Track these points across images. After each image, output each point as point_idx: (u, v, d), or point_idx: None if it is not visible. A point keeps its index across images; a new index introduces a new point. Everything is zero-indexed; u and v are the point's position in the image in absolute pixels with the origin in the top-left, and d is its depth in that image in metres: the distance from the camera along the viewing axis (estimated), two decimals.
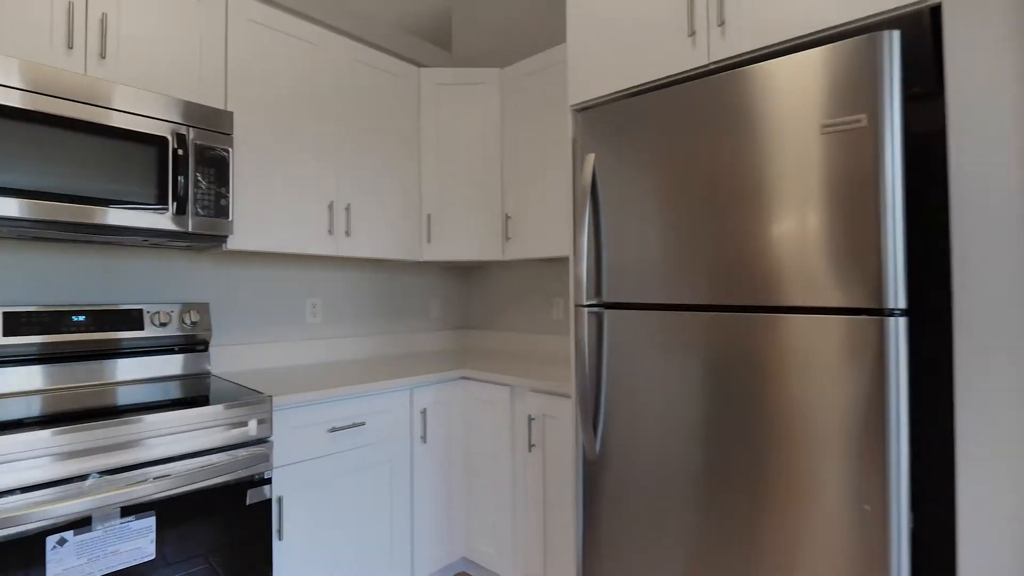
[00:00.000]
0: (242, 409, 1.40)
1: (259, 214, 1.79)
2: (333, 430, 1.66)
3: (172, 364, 1.74)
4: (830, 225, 1.03)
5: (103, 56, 1.45)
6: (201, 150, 1.56)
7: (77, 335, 1.54)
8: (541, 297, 2.56)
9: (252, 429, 1.42)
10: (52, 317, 1.50)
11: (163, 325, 1.70)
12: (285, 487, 1.54)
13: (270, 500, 1.46)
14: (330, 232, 1.99)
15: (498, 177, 2.33)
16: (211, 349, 1.92)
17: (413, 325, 2.67)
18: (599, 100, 1.53)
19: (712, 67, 1.31)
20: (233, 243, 1.72)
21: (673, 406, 1.28)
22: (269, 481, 1.45)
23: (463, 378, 2.09)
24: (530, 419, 1.82)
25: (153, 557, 1.23)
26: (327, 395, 1.63)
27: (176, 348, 1.75)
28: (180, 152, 1.51)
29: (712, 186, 1.21)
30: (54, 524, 1.10)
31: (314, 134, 1.95)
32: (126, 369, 1.64)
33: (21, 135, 1.25)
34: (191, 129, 1.54)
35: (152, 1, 1.55)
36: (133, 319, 1.65)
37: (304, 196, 1.92)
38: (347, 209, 2.04)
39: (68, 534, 1.11)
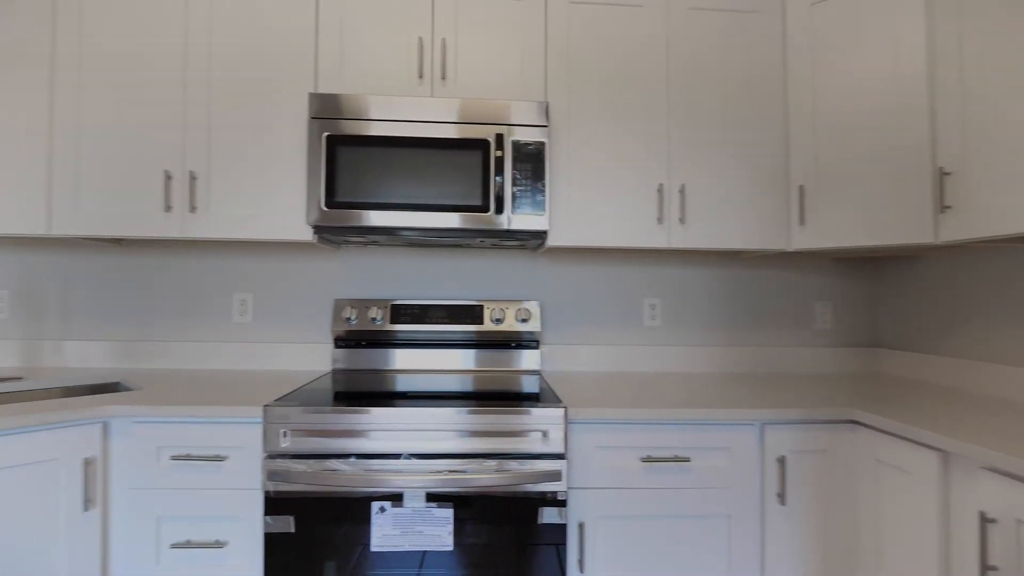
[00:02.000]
0: (531, 417, 1.32)
1: (578, 206, 1.70)
2: (648, 460, 1.38)
3: (503, 359, 1.87)
4: None
5: (444, 78, 1.66)
6: (518, 147, 1.59)
7: (435, 326, 1.83)
8: (1017, 302, 1.51)
9: (543, 441, 1.32)
10: (420, 310, 1.83)
11: (498, 321, 1.84)
12: (587, 513, 1.37)
13: (565, 525, 1.31)
14: (660, 221, 1.72)
15: (924, 111, 1.50)
16: (542, 347, 1.97)
17: (788, 337, 2.07)
18: None
19: None
20: (553, 239, 1.69)
21: None
22: (563, 503, 1.31)
23: (854, 423, 1.42)
24: (984, 519, 1.03)
25: (450, 548, 1.28)
26: (637, 416, 1.37)
27: (512, 344, 1.86)
28: (499, 153, 1.58)
29: None
30: (379, 492, 1.27)
31: (640, 109, 1.73)
32: (465, 359, 1.86)
33: (399, 159, 1.55)
34: (509, 128, 1.59)
35: (478, 15, 1.69)
36: (475, 314, 1.84)
37: (629, 181, 1.72)
38: (681, 191, 1.72)
39: (387, 504, 1.26)
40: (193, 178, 1.61)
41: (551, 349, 1.98)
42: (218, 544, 1.30)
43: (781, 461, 1.40)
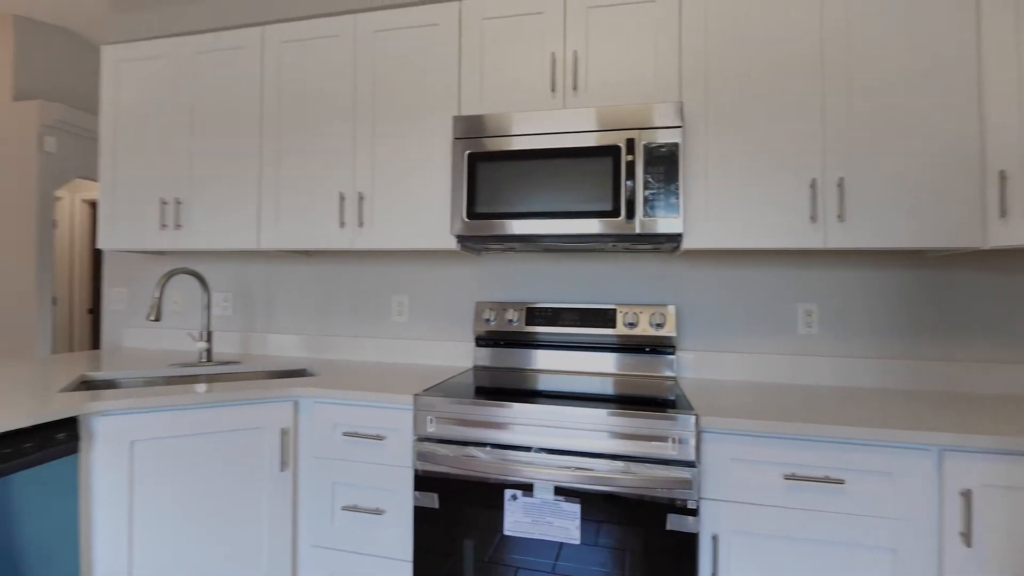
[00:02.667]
0: (659, 422, 1.32)
1: (716, 207, 1.65)
2: (791, 477, 1.30)
3: (637, 363, 1.87)
4: None
5: (575, 89, 1.74)
6: (649, 150, 1.60)
7: (568, 328, 1.91)
8: None
9: (673, 447, 1.31)
10: (553, 312, 1.93)
11: (631, 325, 1.85)
12: (721, 526, 1.33)
13: (695, 535, 1.30)
14: (813, 219, 1.60)
15: None
16: (679, 353, 1.93)
17: (986, 351, 1.76)
18: None
19: None
20: (689, 242, 1.66)
21: None
22: (694, 512, 1.30)
23: None
24: None
25: (577, 542, 1.34)
26: (777, 429, 1.30)
27: (646, 348, 1.87)
28: (630, 158, 1.61)
29: None
30: (511, 481, 1.38)
31: (788, 99, 1.63)
32: (597, 362, 1.90)
33: (533, 170, 1.68)
34: (640, 132, 1.61)
35: (610, 23, 1.74)
36: (607, 318, 1.88)
37: (774, 177, 1.63)
38: (839, 185, 1.58)
39: (518, 493, 1.37)
40: (361, 198, 1.90)
41: (689, 355, 1.93)
42: (378, 511, 1.53)
43: (966, 495, 1.22)
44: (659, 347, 1.87)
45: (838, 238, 1.59)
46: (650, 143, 1.61)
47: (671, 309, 1.87)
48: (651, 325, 1.86)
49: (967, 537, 1.22)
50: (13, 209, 3.46)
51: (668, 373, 1.86)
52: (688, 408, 1.38)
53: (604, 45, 1.75)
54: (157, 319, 1.88)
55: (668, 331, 1.85)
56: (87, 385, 1.82)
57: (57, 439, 1.32)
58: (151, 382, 1.90)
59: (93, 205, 4.48)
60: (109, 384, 1.86)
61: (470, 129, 1.73)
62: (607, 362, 1.90)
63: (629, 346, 1.88)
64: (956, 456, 1.23)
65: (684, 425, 1.32)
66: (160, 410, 1.46)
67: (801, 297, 1.90)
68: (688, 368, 1.93)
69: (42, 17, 3.57)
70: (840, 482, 1.28)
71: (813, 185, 1.60)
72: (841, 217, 1.59)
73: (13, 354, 3.46)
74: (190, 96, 2.11)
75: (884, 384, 1.81)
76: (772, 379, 1.88)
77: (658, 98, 1.70)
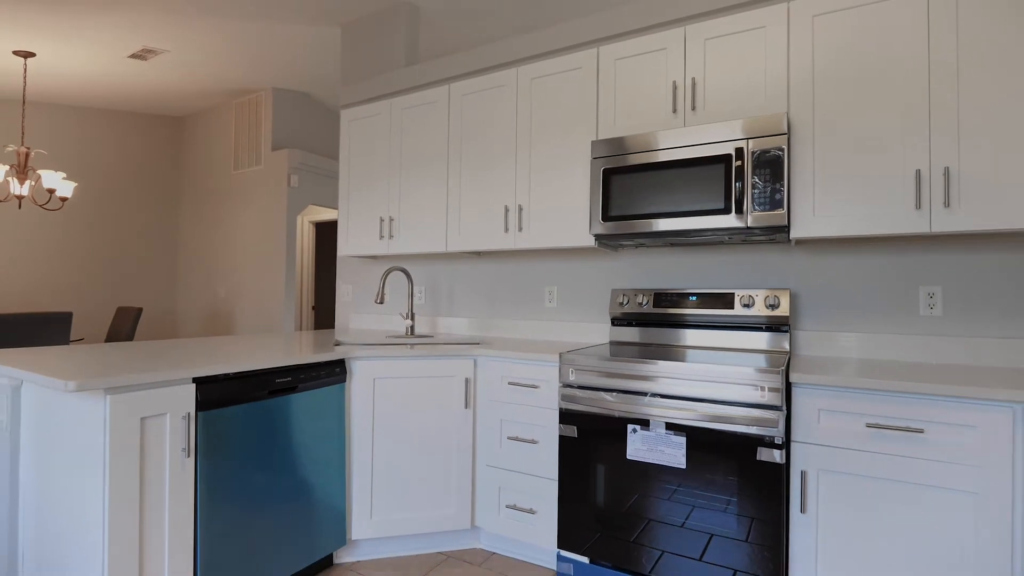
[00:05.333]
0: (752, 374, 1.74)
1: (823, 200, 1.99)
2: (873, 426, 1.63)
3: (753, 340, 2.25)
4: None
5: (694, 109, 2.21)
6: (757, 156, 2.02)
7: (690, 309, 2.36)
8: None
9: (760, 394, 1.73)
10: (678, 296, 2.39)
11: (747, 306, 2.24)
12: (810, 464, 1.71)
13: (781, 466, 1.69)
14: (917, 206, 1.86)
15: None
16: (796, 332, 2.25)
17: None
18: None
19: None
20: (797, 232, 2.02)
21: None
22: (780, 447, 1.70)
23: None
24: None
25: (683, 467, 1.82)
26: (858, 384, 1.64)
27: (762, 327, 2.24)
28: (739, 163, 2.04)
29: None
30: (632, 417, 1.91)
31: (894, 101, 1.91)
32: (716, 338, 2.31)
33: (657, 179, 2.20)
34: (749, 140, 2.03)
35: (725, 51, 2.19)
36: (726, 300, 2.29)
37: (878, 170, 1.92)
38: (944, 174, 1.83)
39: (637, 427, 1.89)
40: (520, 209, 2.59)
41: (806, 335, 2.25)
42: (532, 441, 2.17)
43: None
44: (774, 326, 2.22)
45: (944, 223, 1.83)
46: (756, 149, 2.02)
47: (785, 292, 2.22)
48: (766, 306, 2.23)
49: None
50: (272, 232, 4.92)
51: (782, 348, 2.21)
52: (781, 367, 1.77)
53: (719, 70, 2.20)
54: (381, 302, 2.78)
55: (782, 312, 2.20)
56: (338, 345, 2.76)
57: (336, 371, 2.20)
58: (380, 344, 2.79)
59: (316, 225, 5.96)
60: (355, 345, 2.78)
61: (605, 150, 2.31)
62: (725, 338, 2.31)
63: (745, 325, 2.27)
64: None
65: (771, 377, 1.73)
66: (391, 358, 2.29)
67: (923, 280, 2.11)
68: (805, 346, 2.25)
69: (288, 86, 5.01)
70: (920, 431, 1.57)
71: (917, 176, 1.86)
72: (947, 203, 1.83)
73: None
74: (399, 141, 3.03)
75: (1018, 364, 1.94)
76: (892, 357, 2.11)
77: (768, 110, 2.10)
